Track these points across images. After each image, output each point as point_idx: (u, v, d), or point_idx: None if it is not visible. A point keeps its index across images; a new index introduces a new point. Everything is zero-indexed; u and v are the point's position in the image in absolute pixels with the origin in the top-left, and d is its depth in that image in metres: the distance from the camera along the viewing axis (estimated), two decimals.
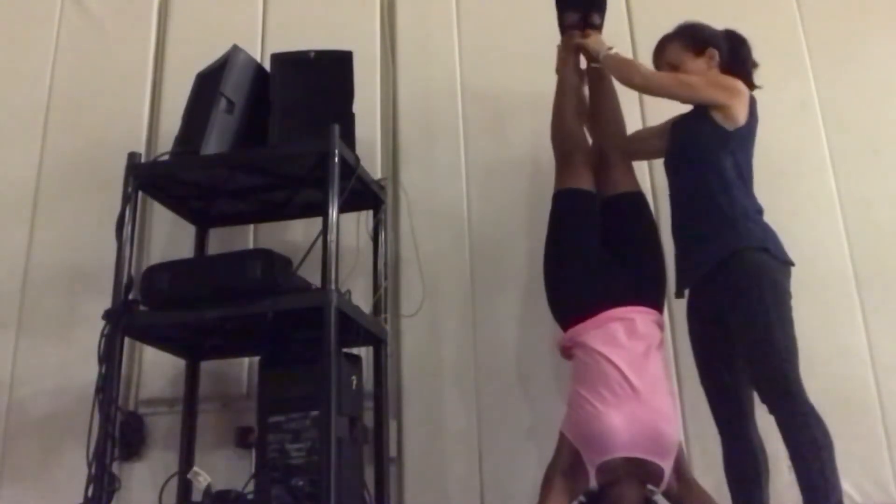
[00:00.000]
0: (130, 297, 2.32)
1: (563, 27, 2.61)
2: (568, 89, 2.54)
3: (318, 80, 2.47)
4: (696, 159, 2.24)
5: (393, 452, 2.52)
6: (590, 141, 2.57)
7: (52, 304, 2.85)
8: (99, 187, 2.88)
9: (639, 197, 2.46)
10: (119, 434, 2.44)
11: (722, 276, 2.12)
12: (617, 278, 2.28)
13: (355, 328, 2.31)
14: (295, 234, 2.81)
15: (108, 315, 2.27)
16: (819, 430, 1.93)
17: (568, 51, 2.57)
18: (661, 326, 2.26)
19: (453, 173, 2.86)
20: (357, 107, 2.48)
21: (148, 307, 2.30)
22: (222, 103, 2.38)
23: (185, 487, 2.44)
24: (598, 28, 2.58)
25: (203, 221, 2.75)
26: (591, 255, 2.32)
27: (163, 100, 3.06)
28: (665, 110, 2.45)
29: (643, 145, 2.54)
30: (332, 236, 2.19)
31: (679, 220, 2.32)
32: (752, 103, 2.27)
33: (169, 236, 2.85)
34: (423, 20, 3.08)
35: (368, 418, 2.42)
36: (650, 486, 2.07)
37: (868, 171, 2.73)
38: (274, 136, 2.37)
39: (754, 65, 2.38)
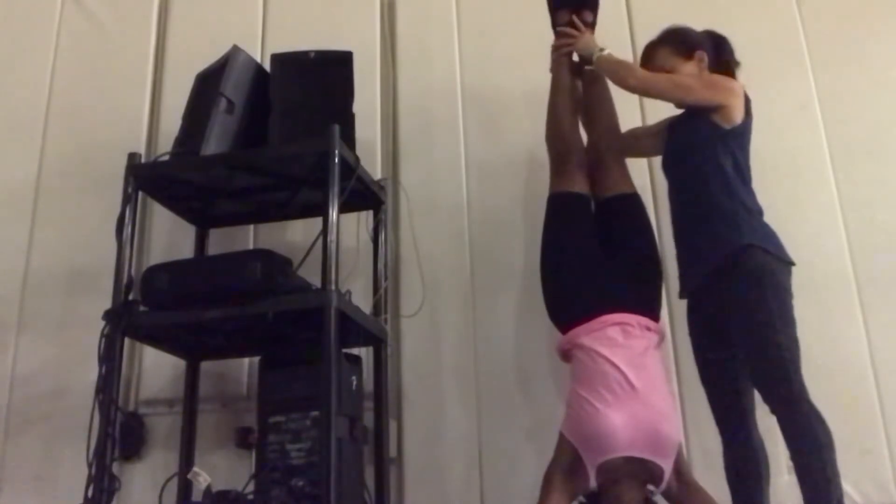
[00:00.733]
0: (130, 297, 2.32)
1: (556, 27, 2.60)
2: (562, 90, 2.52)
3: (318, 81, 2.47)
4: (696, 159, 2.24)
5: (393, 453, 2.52)
6: (584, 141, 2.56)
7: (52, 304, 2.85)
8: (99, 187, 2.88)
9: (634, 198, 2.45)
10: (119, 434, 2.44)
11: (724, 276, 2.12)
12: (614, 282, 2.28)
13: (355, 328, 2.31)
14: (295, 235, 2.81)
15: (108, 315, 2.27)
16: (821, 429, 1.93)
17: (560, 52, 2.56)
18: (658, 333, 2.26)
19: (453, 173, 2.86)
20: (357, 107, 2.47)
21: (148, 307, 2.30)
22: (222, 104, 2.38)
23: (185, 488, 2.43)
24: (592, 26, 2.57)
25: (203, 222, 2.75)
26: (587, 258, 2.31)
27: (163, 100, 3.06)
28: (663, 111, 2.45)
29: (637, 143, 2.54)
30: (332, 237, 2.19)
31: (680, 221, 2.32)
32: (747, 101, 2.27)
33: (169, 237, 2.85)
34: (423, 20, 3.08)
35: (368, 419, 2.42)
36: (650, 487, 2.07)
37: (868, 171, 2.73)
38: (274, 136, 2.37)
39: (736, 63, 2.38)
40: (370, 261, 2.61)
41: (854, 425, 2.42)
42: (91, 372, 2.25)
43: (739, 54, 2.40)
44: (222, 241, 2.78)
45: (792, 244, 2.18)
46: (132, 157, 2.44)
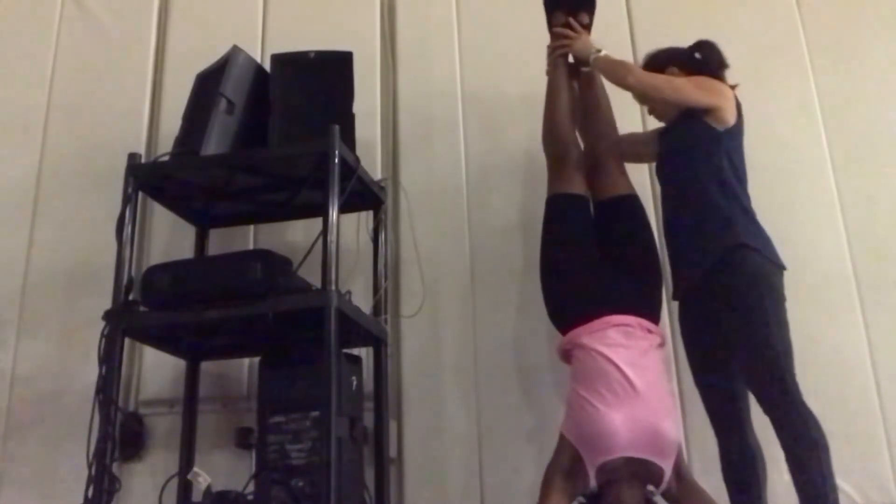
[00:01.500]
0: (130, 297, 2.32)
1: (552, 28, 2.60)
2: (558, 92, 2.51)
3: (318, 81, 2.47)
4: (692, 161, 2.25)
5: (393, 453, 2.52)
6: (581, 143, 2.56)
7: (52, 304, 2.85)
8: (99, 188, 2.89)
9: (633, 199, 2.44)
10: (119, 435, 2.45)
11: (719, 276, 2.13)
12: (614, 284, 2.28)
13: (355, 329, 2.31)
14: (295, 235, 2.81)
15: (108, 315, 2.27)
16: (816, 431, 1.93)
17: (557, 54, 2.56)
18: (660, 335, 2.26)
19: (453, 174, 2.86)
20: (357, 107, 2.47)
21: (148, 307, 2.29)
22: (222, 104, 2.38)
23: (185, 488, 2.43)
24: (588, 27, 2.57)
25: (203, 222, 2.75)
26: (586, 260, 2.32)
27: (163, 100, 3.06)
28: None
29: (632, 149, 2.55)
30: (332, 237, 2.19)
31: (675, 222, 2.31)
32: (738, 104, 2.29)
33: (169, 237, 2.85)
34: (423, 20, 3.08)
35: (368, 419, 2.42)
36: (650, 487, 2.07)
37: (868, 171, 2.73)
38: (274, 136, 2.37)
39: (725, 65, 2.37)
40: (370, 261, 2.61)
41: (854, 425, 2.42)
42: (91, 372, 2.25)
43: (740, 55, 2.41)
44: (222, 241, 2.78)
45: (791, 244, 2.18)
46: (132, 157, 2.43)
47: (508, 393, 2.61)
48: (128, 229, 2.37)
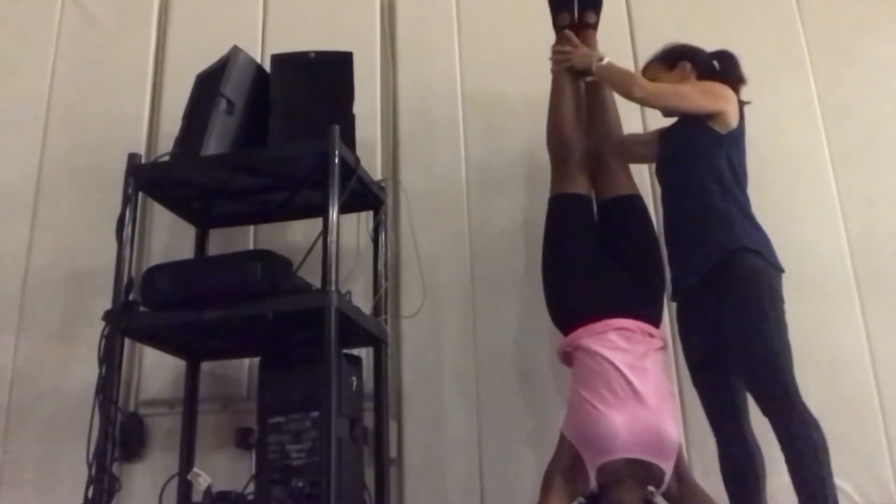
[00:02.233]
0: (130, 297, 2.32)
1: (557, 28, 2.60)
2: (563, 91, 2.51)
3: (318, 81, 2.47)
4: (694, 163, 2.24)
5: (393, 453, 2.52)
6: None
7: (52, 304, 2.85)
8: (99, 188, 2.88)
9: (637, 200, 2.45)
10: (119, 435, 2.45)
11: (718, 277, 2.13)
12: (617, 285, 2.28)
13: (355, 329, 2.31)
14: (295, 235, 2.81)
15: (108, 315, 2.27)
16: (816, 431, 1.93)
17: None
18: (661, 339, 2.26)
19: (453, 174, 2.86)
20: (357, 107, 2.47)
21: (148, 308, 2.30)
22: (222, 104, 2.38)
23: (185, 488, 2.43)
24: (594, 27, 2.56)
25: (203, 222, 2.75)
26: (589, 261, 2.32)
27: (163, 100, 3.06)
28: (662, 118, 2.45)
29: (632, 149, 2.54)
30: (332, 237, 2.19)
31: (675, 224, 2.31)
32: (741, 106, 2.29)
33: (169, 237, 2.85)
34: (423, 21, 3.08)
35: (368, 419, 2.42)
36: (650, 488, 2.07)
37: (868, 171, 2.73)
38: (274, 137, 2.37)
39: (742, 81, 2.36)
40: (370, 261, 2.61)
41: (854, 425, 2.42)
42: (91, 372, 2.25)
43: (740, 55, 2.40)
44: (222, 241, 2.78)
45: (792, 244, 2.18)
46: (132, 157, 2.44)
47: (509, 393, 2.61)
48: (128, 229, 2.37)
